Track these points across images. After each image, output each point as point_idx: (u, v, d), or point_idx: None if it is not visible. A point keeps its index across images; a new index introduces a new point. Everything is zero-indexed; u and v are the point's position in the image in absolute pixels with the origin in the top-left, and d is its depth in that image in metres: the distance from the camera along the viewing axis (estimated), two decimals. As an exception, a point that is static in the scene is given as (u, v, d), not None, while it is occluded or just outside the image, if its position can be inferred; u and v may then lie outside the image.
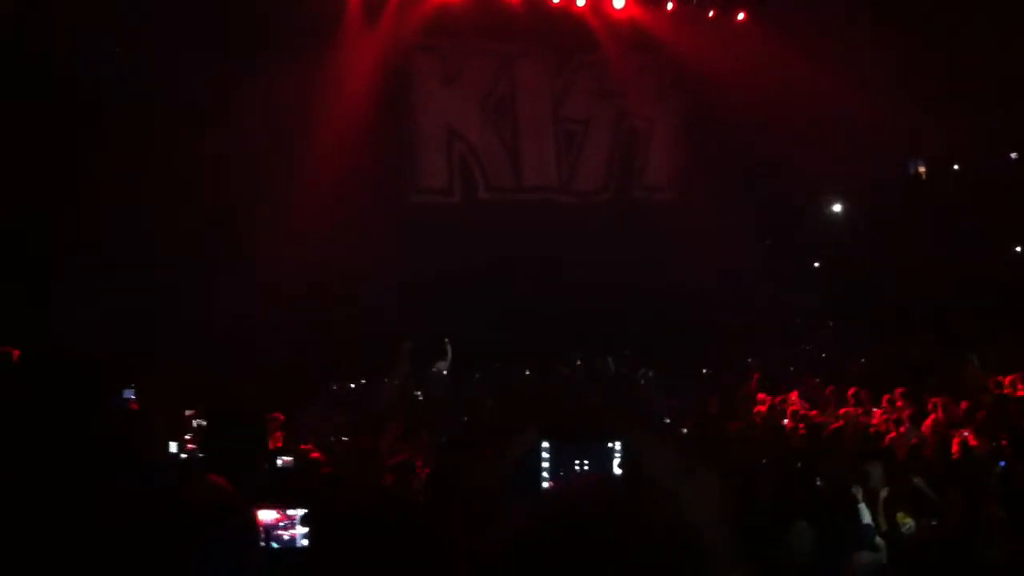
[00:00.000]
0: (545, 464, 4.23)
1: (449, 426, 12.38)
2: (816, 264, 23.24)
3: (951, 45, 17.61)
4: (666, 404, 15.07)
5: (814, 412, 14.68)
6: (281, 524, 5.20)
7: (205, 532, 2.42)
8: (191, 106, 14.86)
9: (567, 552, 1.62)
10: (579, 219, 20.21)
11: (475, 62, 19.56)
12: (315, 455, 10.25)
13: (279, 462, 8.67)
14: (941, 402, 13.88)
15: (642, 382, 17.21)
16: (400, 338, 17.10)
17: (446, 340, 17.36)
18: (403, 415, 12.66)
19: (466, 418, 12.84)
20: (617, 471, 4.03)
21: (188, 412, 11.25)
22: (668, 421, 13.55)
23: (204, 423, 10.85)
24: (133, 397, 10.08)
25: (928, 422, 13.09)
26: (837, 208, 23.19)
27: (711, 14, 20.28)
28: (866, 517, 8.65)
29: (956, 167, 22.59)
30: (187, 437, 10.03)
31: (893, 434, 12.73)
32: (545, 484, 4.19)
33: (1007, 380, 14.70)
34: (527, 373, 17.29)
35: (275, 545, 5.21)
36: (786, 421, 14.07)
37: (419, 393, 15.70)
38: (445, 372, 17.23)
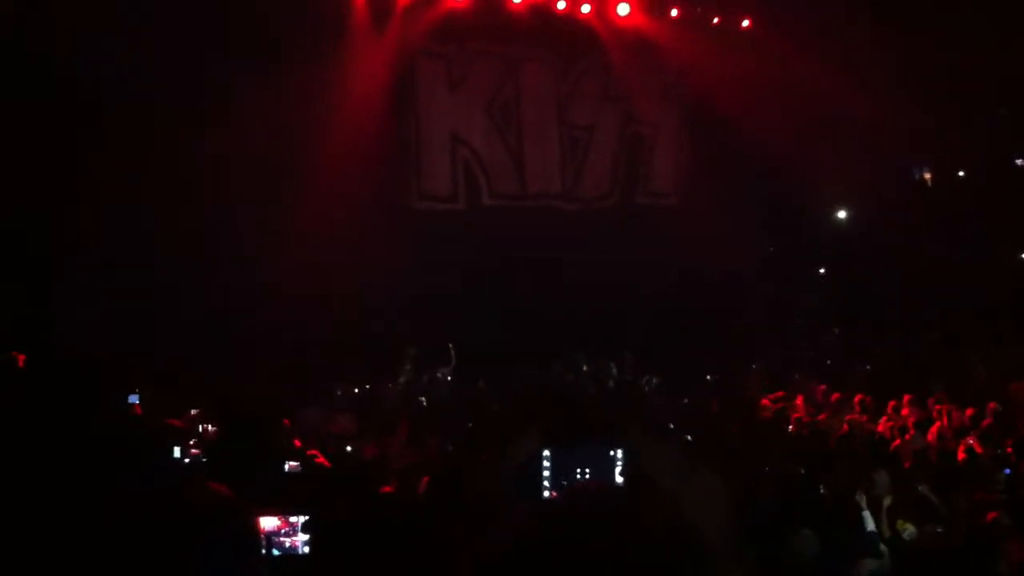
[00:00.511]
0: (546, 472, 4.23)
1: (453, 431, 12.37)
2: (821, 270, 23.21)
3: (956, 49, 17.57)
4: (670, 409, 15.05)
5: (821, 417, 14.66)
6: (283, 531, 5.19)
7: (204, 534, 2.42)
8: (194, 109, 14.86)
9: (567, 553, 1.62)
10: (583, 224, 20.21)
11: (480, 67, 19.56)
12: (320, 460, 10.25)
13: (286, 467, 8.66)
14: (946, 409, 13.87)
15: (646, 388, 17.20)
16: (404, 343, 17.16)
17: (450, 345, 17.38)
18: (411, 420, 12.67)
19: (470, 423, 12.83)
20: (619, 479, 4.02)
21: (193, 412, 11.29)
22: (672, 426, 13.52)
23: (209, 427, 10.87)
24: (137, 402, 10.12)
25: (934, 429, 13.08)
26: (842, 214, 23.16)
27: (716, 20, 20.27)
28: (870, 524, 8.63)
29: (961, 173, 22.56)
30: (191, 441, 10.04)
31: (898, 441, 12.71)
32: (547, 493, 4.19)
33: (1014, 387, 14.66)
34: (531, 378, 17.26)
35: (276, 552, 5.20)
36: (790, 427, 14.06)
37: (423, 398, 15.71)
38: (449, 377, 17.24)
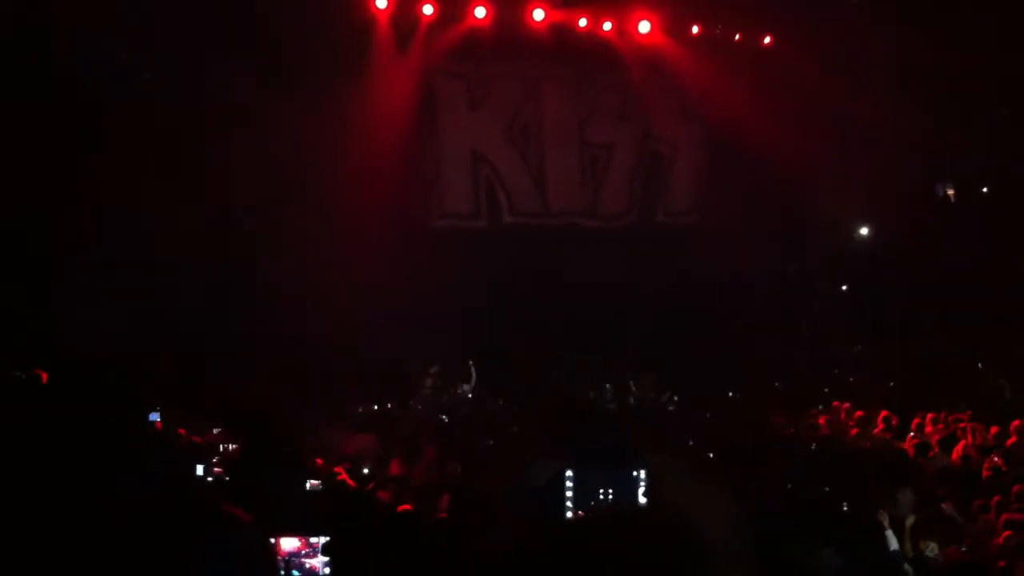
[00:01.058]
0: (569, 493, 4.22)
1: (472, 450, 12.35)
2: (844, 287, 23.10)
3: (982, 63, 17.51)
4: (691, 426, 14.98)
5: (853, 432, 14.58)
6: (303, 552, 5.19)
7: (217, 558, 2.43)
8: (217, 127, 14.97)
9: (584, 565, 1.63)
10: (603, 242, 20.21)
11: (500, 86, 19.64)
12: (342, 477, 10.27)
13: (307, 485, 8.67)
14: (971, 427, 13.77)
15: (668, 406, 17.15)
16: (425, 361, 17.18)
17: (470, 363, 17.38)
18: (437, 439, 12.67)
19: (491, 442, 12.82)
20: (642, 500, 4.02)
21: (215, 431, 11.31)
22: (692, 443, 13.48)
23: (230, 445, 10.90)
24: (158, 419, 10.15)
25: (958, 447, 12.98)
26: (864, 230, 23.06)
27: (737, 38, 20.27)
28: (893, 543, 8.57)
29: (984, 189, 22.43)
30: (214, 460, 10.06)
31: (922, 459, 12.62)
32: (569, 513, 4.18)
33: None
34: (552, 396, 17.22)
35: (296, 574, 5.19)
36: (813, 445, 13.97)
37: (444, 416, 15.70)
38: (470, 395, 17.24)
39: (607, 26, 19.40)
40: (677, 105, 20.81)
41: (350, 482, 10.16)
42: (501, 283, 17.76)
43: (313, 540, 5.22)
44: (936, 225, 21.12)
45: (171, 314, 14.72)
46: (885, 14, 17.65)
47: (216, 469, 9.52)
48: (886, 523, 8.65)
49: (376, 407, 16.16)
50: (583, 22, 19.16)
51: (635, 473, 4.15)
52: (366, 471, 11.11)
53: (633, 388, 17.72)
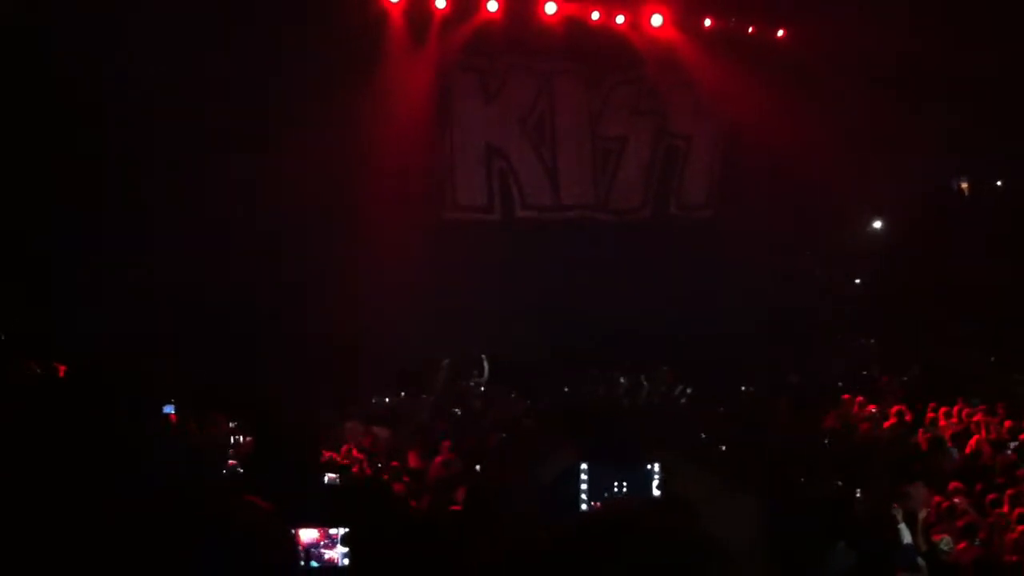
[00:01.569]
0: (584, 486, 4.25)
1: (486, 444, 12.40)
2: (857, 280, 23.05)
3: (995, 56, 17.45)
4: (704, 419, 14.98)
5: (866, 427, 14.58)
6: (322, 543, 5.22)
7: (243, 547, 2.46)
8: (232, 126, 15.02)
9: (596, 562, 1.64)
10: (617, 235, 20.22)
11: (514, 80, 19.63)
12: (357, 469, 10.33)
13: (324, 479, 8.72)
14: (984, 421, 13.76)
15: (681, 399, 17.14)
16: (438, 354, 17.21)
17: (483, 356, 17.40)
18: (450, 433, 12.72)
19: (504, 435, 12.85)
20: (656, 493, 4.04)
21: (231, 424, 11.37)
22: (705, 437, 13.49)
23: (244, 438, 10.96)
24: (173, 412, 10.22)
25: (972, 442, 12.98)
26: (878, 224, 23.00)
27: (750, 30, 20.22)
28: (906, 537, 8.58)
29: (999, 183, 22.36)
30: (228, 453, 10.13)
31: (936, 454, 12.61)
32: (584, 506, 4.21)
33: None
34: (564, 391, 17.25)
35: (315, 564, 5.23)
36: (826, 439, 13.98)
37: (457, 410, 15.74)
38: (482, 388, 17.27)
39: (620, 19, 19.36)
40: (690, 99, 20.76)
41: (367, 472, 10.23)
42: (513, 277, 17.76)
43: (332, 531, 5.26)
44: (951, 219, 21.07)
45: (186, 309, 14.76)
46: (898, 8, 17.58)
47: (231, 462, 9.59)
48: (899, 517, 8.67)
49: (388, 400, 16.18)
50: (596, 15, 19.13)
51: (649, 467, 4.17)
52: (380, 464, 11.17)
53: (645, 383, 17.71)
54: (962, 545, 9.01)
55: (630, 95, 20.52)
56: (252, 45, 15.07)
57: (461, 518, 7.58)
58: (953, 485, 10.60)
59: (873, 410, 15.31)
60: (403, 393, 16.58)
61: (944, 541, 9.10)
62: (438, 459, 10.75)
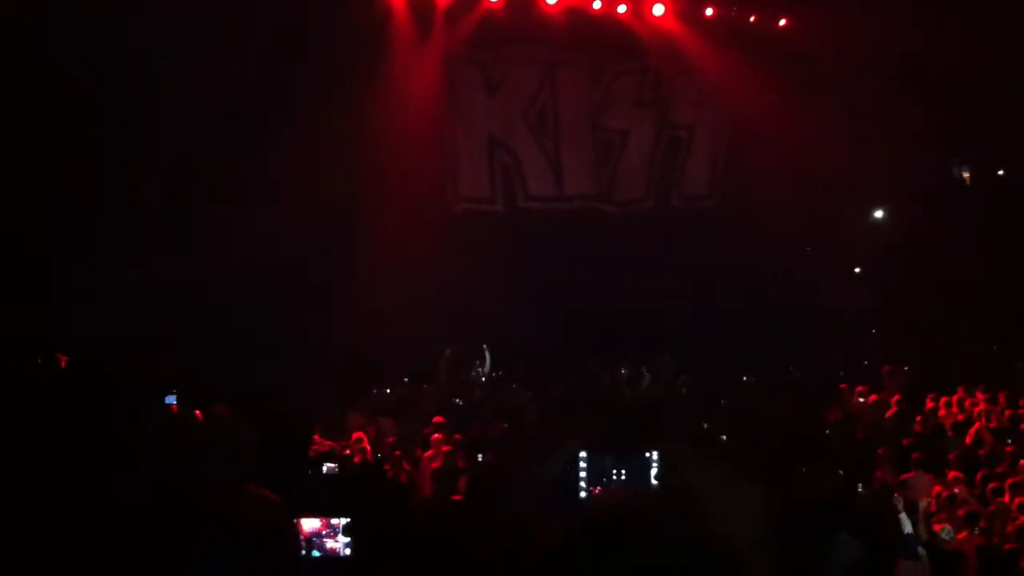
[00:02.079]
0: (583, 474, 4.26)
1: (488, 434, 12.40)
2: (857, 270, 23.04)
3: (996, 46, 17.42)
4: (706, 410, 14.98)
5: (866, 417, 14.57)
6: (324, 533, 5.24)
7: (246, 535, 2.47)
8: (229, 124, 15.04)
9: (597, 561, 1.65)
10: (619, 226, 20.24)
11: (516, 71, 19.62)
12: (357, 460, 10.35)
13: (324, 468, 8.74)
14: (986, 410, 13.77)
15: (682, 389, 17.14)
16: (440, 344, 17.22)
17: (485, 346, 17.41)
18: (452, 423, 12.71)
19: (506, 425, 12.85)
20: (654, 482, 4.05)
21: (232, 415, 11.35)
22: (706, 427, 13.49)
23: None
24: (174, 402, 10.23)
25: (972, 431, 12.99)
26: (880, 214, 22.99)
27: (752, 19, 20.19)
28: (908, 527, 8.59)
29: (1000, 172, 22.35)
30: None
31: (937, 443, 12.62)
32: (583, 494, 4.22)
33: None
34: (566, 380, 17.25)
35: (317, 554, 5.25)
36: (828, 431, 13.98)
37: (459, 400, 15.74)
38: (484, 378, 17.28)
39: (621, 9, 19.33)
40: (693, 89, 20.77)
41: (370, 461, 10.24)
42: (515, 268, 17.78)
43: (334, 521, 5.28)
44: (952, 209, 21.06)
45: (187, 304, 14.78)
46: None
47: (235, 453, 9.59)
48: (900, 507, 8.68)
49: (391, 390, 16.19)
50: (597, 5, 19.09)
51: (648, 455, 4.18)
52: (381, 455, 11.17)
53: (646, 373, 17.71)
54: (963, 534, 9.03)
55: (632, 86, 20.51)
56: (254, 42, 15.06)
57: (463, 508, 7.60)
58: (953, 474, 10.62)
59: (874, 400, 15.31)
60: (406, 380, 16.60)
61: (945, 530, 9.12)
62: (445, 448, 10.75)
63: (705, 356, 17.76)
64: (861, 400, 15.61)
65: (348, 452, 10.61)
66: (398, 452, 11.08)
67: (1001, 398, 14.37)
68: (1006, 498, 9.89)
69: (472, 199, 19.55)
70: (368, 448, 10.74)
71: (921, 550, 8.49)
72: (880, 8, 18.02)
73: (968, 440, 12.77)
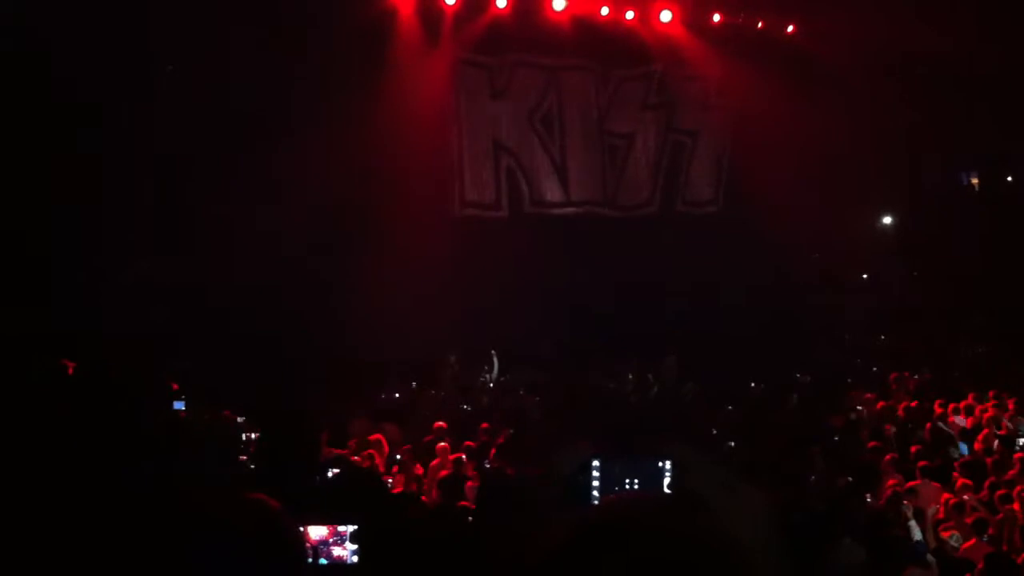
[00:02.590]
0: (596, 482, 4.24)
1: (494, 439, 12.38)
2: (865, 276, 23.02)
3: (1005, 51, 17.41)
4: (713, 416, 14.96)
5: (874, 423, 14.53)
6: (331, 540, 5.22)
7: (244, 544, 2.45)
8: (233, 125, 15.06)
9: (602, 560, 1.64)
10: (624, 231, 20.22)
11: (522, 77, 19.63)
12: (366, 466, 10.32)
13: (329, 474, 8.71)
14: (995, 416, 13.72)
15: (688, 396, 17.11)
16: (446, 350, 17.21)
17: (492, 352, 17.41)
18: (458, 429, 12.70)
19: (512, 431, 12.82)
20: (667, 490, 4.02)
21: (239, 419, 11.36)
22: (715, 432, 13.48)
23: (255, 435, 10.95)
24: (183, 408, 10.23)
25: (980, 437, 12.95)
26: (888, 219, 22.97)
27: (760, 26, 20.19)
28: (916, 534, 8.57)
29: (1009, 179, 22.32)
30: (239, 448, 10.11)
31: (945, 450, 12.58)
32: (596, 502, 4.19)
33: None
34: (573, 386, 17.23)
35: (324, 561, 5.22)
36: (836, 437, 13.94)
37: (466, 405, 15.72)
38: (491, 384, 17.27)
39: (629, 15, 19.33)
40: (699, 95, 20.77)
41: (380, 468, 10.21)
42: (521, 273, 17.76)
43: (341, 528, 5.25)
44: (960, 215, 21.03)
45: (192, 309, 14.78)
46: (907, 3, 17.54)
47: (241, 457, 9.58)
48: (909, 513, 8.66)
49: (397, 395, 16.18)
50: (605, 11, 19.10)
51: (660, 463, 4.15)
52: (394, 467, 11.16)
53: (652, 379, 17.71)
54: (971, 541, 8.99)
55: (638, 91, 20.53)
56: (259, 44, 15.09)
57: (471, 515, 7.59)
58: (962, 481, 10.59)
59: (883, 406, 15.26)
60: (412, 390, 16.58)
61: (954, 537, 9.10)
62: (451, 456, 10.74)
63: (710, 361, 17.74)
64: (866, 406, 15.59)
65: (357, 459, 10.58)
66: (407, 458, 11.08)
67: (1010, 404, 14.33)
68: (1015, 505, 9.85)
69: (477, 204, 19.54)
70: (377, 456, 10.71)
71: (930, 557, 8.47)
72: (888, 14, 18.00)
73: (977, 446, 12.73)
